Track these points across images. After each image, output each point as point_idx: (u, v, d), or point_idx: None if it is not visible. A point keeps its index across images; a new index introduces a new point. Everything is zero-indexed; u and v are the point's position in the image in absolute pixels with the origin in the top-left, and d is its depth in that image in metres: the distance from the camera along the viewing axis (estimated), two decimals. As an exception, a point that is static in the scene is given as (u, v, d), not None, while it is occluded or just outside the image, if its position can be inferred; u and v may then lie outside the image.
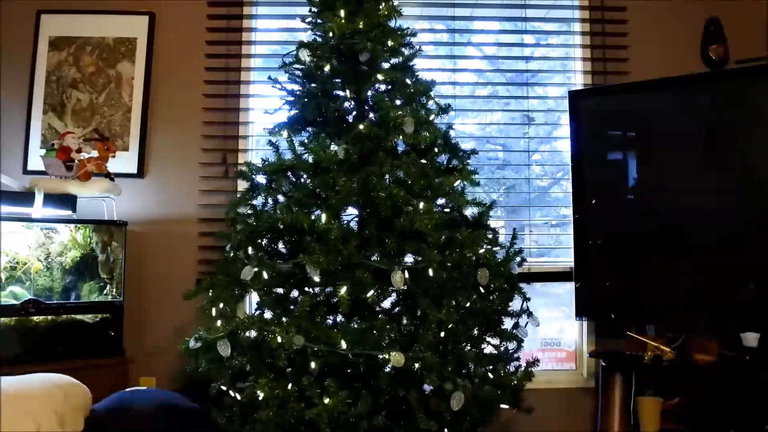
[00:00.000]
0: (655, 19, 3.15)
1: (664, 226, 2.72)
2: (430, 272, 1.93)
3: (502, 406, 2.08)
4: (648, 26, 3.15)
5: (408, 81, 2.23)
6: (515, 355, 2.22)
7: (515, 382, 2.09)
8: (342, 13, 2.18)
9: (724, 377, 2.53)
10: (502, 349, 2.20)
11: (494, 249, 2.21)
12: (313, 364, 1.81)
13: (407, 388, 1.84)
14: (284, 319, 1.93)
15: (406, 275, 1.91)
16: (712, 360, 2.55)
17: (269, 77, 2.38)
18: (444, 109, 2.30)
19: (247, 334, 1.98)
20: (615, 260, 2.77)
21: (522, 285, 2.30)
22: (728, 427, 2.50)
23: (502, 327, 2.20)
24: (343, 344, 1.81)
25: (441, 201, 2.20)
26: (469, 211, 2.23)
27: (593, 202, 2.83)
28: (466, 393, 1.93)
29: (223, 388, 2.11)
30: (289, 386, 1.85)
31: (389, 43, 2.21)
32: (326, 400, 1.75)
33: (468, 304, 2.05)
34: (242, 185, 2.55)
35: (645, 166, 2.79)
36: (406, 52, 2.28)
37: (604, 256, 2.78)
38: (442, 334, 1.93)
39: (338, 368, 1.87)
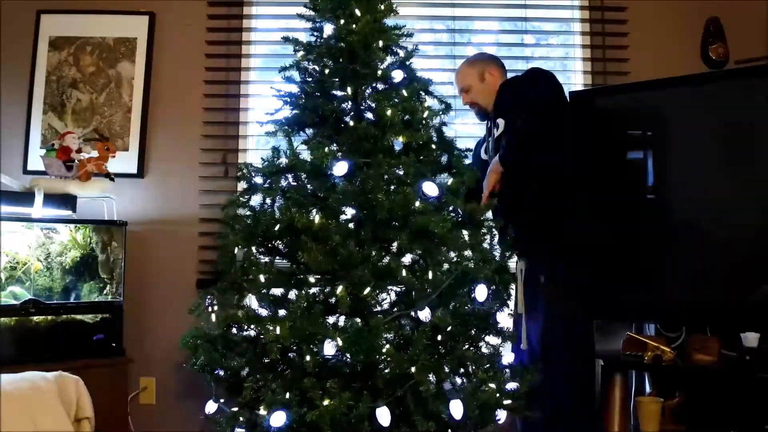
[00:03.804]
0: (655, 19, 3.14)
1: (666, 226, 2.72)
2: (430, 275, 1.93)
3: (502, 412, 2.07)
4: (648, 26, 3.14)
5: (405, 80, 2.22)
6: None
7: (517, 387, 2.09)
8: (338, 12, 2.19)
9: (724, 377, 2.53)
10: (500, 348, 2.20)
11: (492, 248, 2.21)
12: (308, 357, 1.81)
13: (405, 389, 1.83)
14: (281, 312, 1.94)
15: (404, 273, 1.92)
16: (712, 360, 2.55)
17: (271, 87, 2.38)
18: (448, 107, 2.30)
19: (243, 333, 1.98)
20: (615, 260, 2.77)
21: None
22: (728, 427, 2.50)
23: (499, 326, 2.20)
24: (339, 341, 1.81)
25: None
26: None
27: (593, 201, 2.82)
28: (465, 394, 1.93)
29: (221, 401, 2.12)
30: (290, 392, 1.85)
31: (386, 42, 2.21)
32: (326, 402, 1.75)
33: (467, 306, 2.05)
34: (242, 185, 2.56)
35: (646, 165, 2.79)
36: (404, 51, 2.28)
37: (604, 255, 2.78)
38: (439, 337, 1.93)
39: (336, 368, 1.87)
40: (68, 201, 2.69)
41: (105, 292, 2.63)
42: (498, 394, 2.02)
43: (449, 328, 1.93)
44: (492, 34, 3.33)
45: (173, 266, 3.02)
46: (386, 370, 1.84)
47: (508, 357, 2.22)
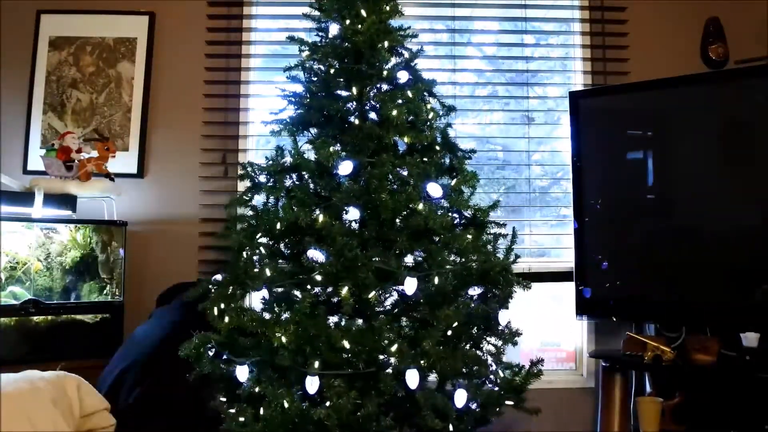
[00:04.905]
0: (655, 19, 3.15)
1: (665, 225, 2.72)
2: (436, 280, 1.93)
3: (507, 402, 2.07)
4: (648, 26, 3.15)
5: (410, 81, 2.23)
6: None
7: (519, 382, 2.09)
8: (344, 13, 2.19)
9: (724, 377, 2.53)
10: (501, 348, 2.20)
11: (495, 250, 2.21)
12: (317, 364, 1.80)
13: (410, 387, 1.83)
14: (284, 316, 1.93)
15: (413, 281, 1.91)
16: (712, 360, 2.55)
17: (276, 87, 2.38)
18: (450, 109, 2.30)
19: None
20: (615, 260, 2.77)
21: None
22: (728, 427, 2.51)
23: (500, 327, 2.20)
24: (346, 344, 1.81)
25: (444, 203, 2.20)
26: (469, 212, 2.23)
27: (594, 201, 2.83)
28: (469, 391, 1.93)
29: (223, 399, 2.11)
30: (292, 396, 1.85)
31: (392, 43, 2.21)
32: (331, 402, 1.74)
33: (471, 307, 2.05)
34: (242, 185, 2.55)
35: (646, 165, 2.79)
36: (408, 52, 2.28)
37: (604, 255, 2.78)
38: (449, 332, 1.93)
39: (339, 368, 1.86)
40: (68, 201, 2.69)
41: (105, 292, 2.63)
42: (501, 392, 2.03)
43: (455, 324, 1.93)
44: (492, 34, 3.34)
45: (173, 266, 3.01)
46: (390, 368, 1.83)
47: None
